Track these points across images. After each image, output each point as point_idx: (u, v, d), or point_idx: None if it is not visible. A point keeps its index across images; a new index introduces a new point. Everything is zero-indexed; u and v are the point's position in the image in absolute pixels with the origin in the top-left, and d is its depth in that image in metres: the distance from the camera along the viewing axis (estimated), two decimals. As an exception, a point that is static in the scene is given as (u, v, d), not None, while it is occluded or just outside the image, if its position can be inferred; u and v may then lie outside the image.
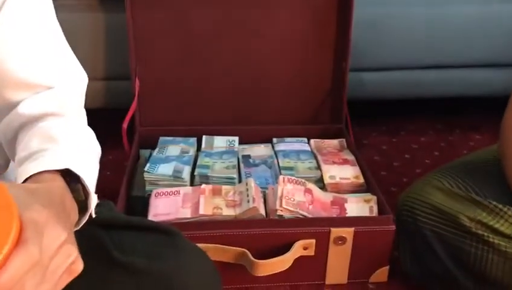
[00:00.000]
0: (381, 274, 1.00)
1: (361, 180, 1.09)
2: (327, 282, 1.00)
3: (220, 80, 1.26)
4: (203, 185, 1.02)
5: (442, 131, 1.56)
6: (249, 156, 1.18)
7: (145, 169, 1.06)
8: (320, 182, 1.10)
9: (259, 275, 0.92)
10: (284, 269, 0.93)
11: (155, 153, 1.14)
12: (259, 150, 1.21)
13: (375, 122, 1.58)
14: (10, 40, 0.64)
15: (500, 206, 0.88)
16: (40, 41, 0.66)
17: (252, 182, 1.01)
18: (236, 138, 1.23)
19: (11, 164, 0.73)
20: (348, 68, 1.25)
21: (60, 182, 0.51)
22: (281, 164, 1.15)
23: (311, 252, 0.95)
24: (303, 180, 1.03)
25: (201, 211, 0.96)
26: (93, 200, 0.54)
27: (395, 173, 1.36)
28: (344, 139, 1.26)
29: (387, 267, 0.99)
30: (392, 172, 1.36)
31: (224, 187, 1.02)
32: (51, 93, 0.66)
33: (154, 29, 1.20)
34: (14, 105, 0.65)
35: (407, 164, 1.41)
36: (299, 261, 0.95)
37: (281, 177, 1.03)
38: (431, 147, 1.49)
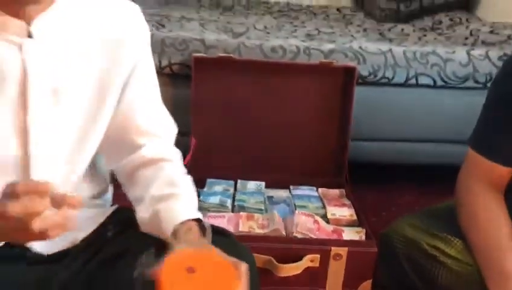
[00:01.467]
0: (366, 285, 1.37)
1: (355, 218, 1.49)
2: (327, 289, 1.37)
3: (253, 138, 1.68)
4: (241, 213, 1.42)
5: (424, 193, 1.95)
6: (272, 197, 1.58)
7: (200, 199, 1.46)
8: (325, 218, 1.49)
9: (280, 275, 1.30)
10: (297, 273, 1.32)
11: (205, 188, 1.55)
12: (280, 193, 1.62)
13: (370, 179, 1.97)
14: (138, 98, 0.91)
15: (451, 237, 1.27)
16: (155, 99, 0.95)
17: (275, 212, 1.41)
18: (263, 183, 1.64)
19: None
20: (349, 136, 1.68)
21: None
22: (296, 204, 1.55)
23: (316, 264, 1.33)
24: (312, 214, 1.43)
25: (240, 229, 1.35)
26: (209, 233, 0.82)
27: (382, 218, 1.75)
28: (344, 190, 1.66)
29: (370, 280, 1.37)
30: (380, 218, 1.75)
31: (256, 215, 1.42)
32: (162, 141, 0.94)
33: (209, 98, 1.64)
34: (136, 147, 0.91)
35: (392, 213, 1.80)
36: (307, 270, 1.33)
37: (296, 211, 1.44)
38: (412, 204, 1.88)
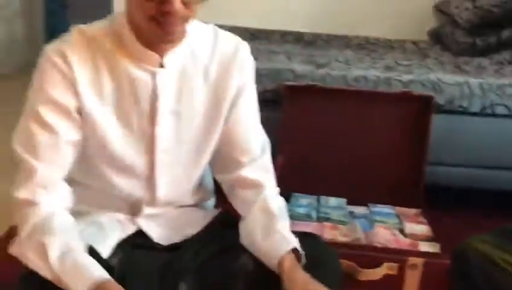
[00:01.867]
0: (440, 296, 1.48)
1: (431, 233, 1.61)
2: (403, 296, 1.50)
3: (335, 159, 1.86)
4: (325, 223, 1.59)
5: (498, 217, 2.02)
6: (353, 212, 1.74)
7: (288, 208, 1.64)
8: (402, 233, 1.62)
9: (361, 279, 1.44)
10: (376, 278, 1.45)
11: (292, 200, 1.73)
12: (360, 209, 1.77)
13: (446, 203, 2.06)
14: (242, 119, 1.06)
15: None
16: (256, 121, 1.09)
17: (357, 224, 1.57)
18: (344, 200, 1.80)
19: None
20: (425, 161, 1.81)
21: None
22: (375, 219, 1.69)
23: (394, 271, 1.46)
24: (391, 228, 1.57)
25: (325, 237, 1.52)
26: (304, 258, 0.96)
27: (456, 238, 1.83)
28: (420, 210, 1.78)
29: (444, 291, 1.48)
30: (454, 238, 1.84)
31: (339, 225, 1.59)
32: (260, 162, 1.07)
33: (296, 121, 1.84)
34: (238, 164, 1.05)
35: (466, 234, 1.88)
36: (385, 277, 1.47)
37: (376, 224, 1.58)
38: (486, 227, 1.95)
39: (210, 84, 1.04)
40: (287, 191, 1.83)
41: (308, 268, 0.94)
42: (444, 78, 1.94)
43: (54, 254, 0.89)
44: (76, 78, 0.96)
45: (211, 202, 1.21)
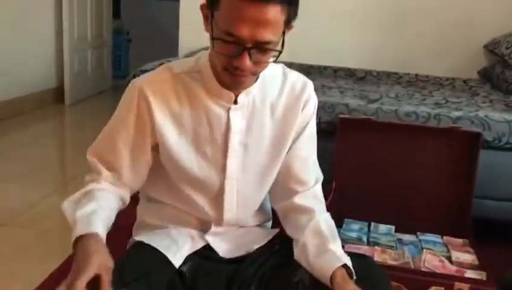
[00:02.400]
0: (485, 321, 1.55)
1: (477, 262, 1.69)
2: (449, 319, 1.58)
3: (386, 188, 1.97)
4: (376, 247, 1.70)
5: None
6: (401, 239, 1.84)
7: (340, 232, 1.77)
8: (449, 260, 1.71)
9: (408, 300, 1.54)
10: (423, 301, 1.55)
11: (344, 225, 1.85)
12: (408, 237, 1.87)
13: (493, 236, 2.10)
14: (303, 153, 1.17)
15: None
16: (313, 153, 1.21)
17: (405, 249, 1.67)
18: (393, 227, 1.91)
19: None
20: (472, 194, 1.90)
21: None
22: (423, 246, 1.78)
23: (440, 295, 1.56)
24: (438, 254, 1.66)
25: (375, 259, 1.63)
26: (354, 275, 1.03)
27: (503, 269, 1.89)
28: (467, 240, 1.86)
29: (490, 317, 1.55)
30: (501, 268, 1.90)
31: (388, 250, 1.69)
32: (312, 191, 1.17)
33: (350, 151, 1.97)
34: (292, 192, 1.16)
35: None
36: (432, 300, 1.56)
37: (424, 251, 1.68)
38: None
39: (276, 120, 1.16)
40: (340, 216, 1.96)
41: (359, 285, 1.01)
42: (492, 116, 2.03)
43: (81, 208, 1.05)
44: (155, 113, 1.10)
45: (269, 224, 1.33)
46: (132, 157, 1.14)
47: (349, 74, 3.13)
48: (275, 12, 0.95)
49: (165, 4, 5.32)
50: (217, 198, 1.18)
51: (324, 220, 1.15)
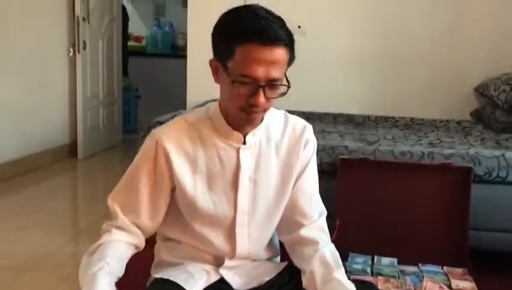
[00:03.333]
0: None
1: (476, 289, 1.79)
2: None
3: (388, 224, 2.09)
4: (379, 277, 1.81)
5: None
6: (404, 270, 1.95)
7: (345, 264, 1.88)
8: (449, 288, 1.81)
9: (411, 324, 1.64)
10: (426, 325, 1.65)
11: (349, 259, 1.97)
12: (410, 268, 1.98)
13: (490, 266, 2.19)
14: (305, 188, 1.26)
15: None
16: (316, 189, 1.30)
17: (407, 278, 1.78)
18: (395, 259, 2.01)
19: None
20: (467, 226, 2.02)
21: None
22: (424, 275, 1.89)
23: (442, 320, 1.66)
24: (439, 282, 1.77)
25: (379, 288, 1.74)
26: None
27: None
28: (466, 269, 1.97)
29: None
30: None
31: (391, 279, 1.80)
32: (317, 224, 1.26)
33: (350, 190, 2.11)
34: (298, 226, 1.24)
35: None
36: (434, 325, 1.66)
37: (425, 279, 1.79)
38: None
39: (281, 159, 1.27)
40: (344, 250, 2.07)
41: None
42: (482, 152, 2.18)
43: (90, 267, 1.14)
44: (172, 158, 1.21)
45: (277, 259, 1.42)
46: (151, 199, 1.25)
47: (349, 119, 3.29)
48: (282, 53, 1.11)
49: (170, 62, 5.65)
50: (230, 232, 1.27)
51: (329, 250, 1.24)
